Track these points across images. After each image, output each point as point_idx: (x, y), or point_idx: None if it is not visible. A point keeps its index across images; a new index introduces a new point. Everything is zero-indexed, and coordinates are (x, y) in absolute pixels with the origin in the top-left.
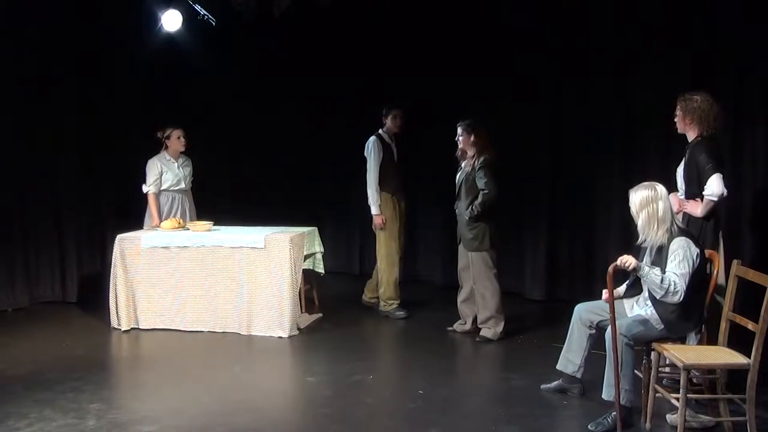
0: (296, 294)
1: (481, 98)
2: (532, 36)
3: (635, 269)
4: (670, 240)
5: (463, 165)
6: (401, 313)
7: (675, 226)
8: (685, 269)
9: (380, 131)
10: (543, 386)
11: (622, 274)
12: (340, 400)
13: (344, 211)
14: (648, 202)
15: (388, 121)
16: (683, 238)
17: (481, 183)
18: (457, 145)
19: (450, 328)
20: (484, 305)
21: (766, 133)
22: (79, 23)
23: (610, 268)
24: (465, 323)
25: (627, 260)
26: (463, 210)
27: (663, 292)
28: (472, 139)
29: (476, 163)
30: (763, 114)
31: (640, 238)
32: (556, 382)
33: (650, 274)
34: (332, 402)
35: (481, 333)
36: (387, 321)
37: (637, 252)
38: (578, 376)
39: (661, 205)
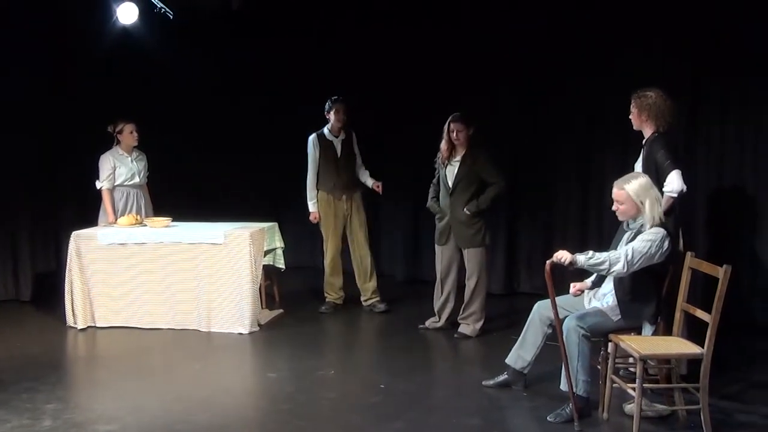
0: (256, 290)
1: (444, 95)
2: (497, 34)
3: (571, 263)
4: (649, 227)
5: (455, 160)
6: (324, 308)
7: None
8: (643, 249)
9: (325, 128)
10: (485, 382)
11: (560, 269)
12: (302, 395)
13: (305, 205)
14: (646, 189)
15: (331, 117)
16: (663, 231)
17: (492, 176)
18: (436, 140)
19: (422, 326)
20: (471, 301)
21: (720, 129)
22: (33, 13)
23: (547, 266)
24: (438, 321)
25: (561, 255)
26: (459, 207)
27: (606, 267)
28: (471, 132)
29: (478, 156)
30: (718, 113)
31: (645, 225)
32: (501, 378)
33: (588, 261)
34: (294, 397)
35: (460, 329)
36: (348, 316)
37: (606, 239)
38: (525, 372)
39: (655, 191)
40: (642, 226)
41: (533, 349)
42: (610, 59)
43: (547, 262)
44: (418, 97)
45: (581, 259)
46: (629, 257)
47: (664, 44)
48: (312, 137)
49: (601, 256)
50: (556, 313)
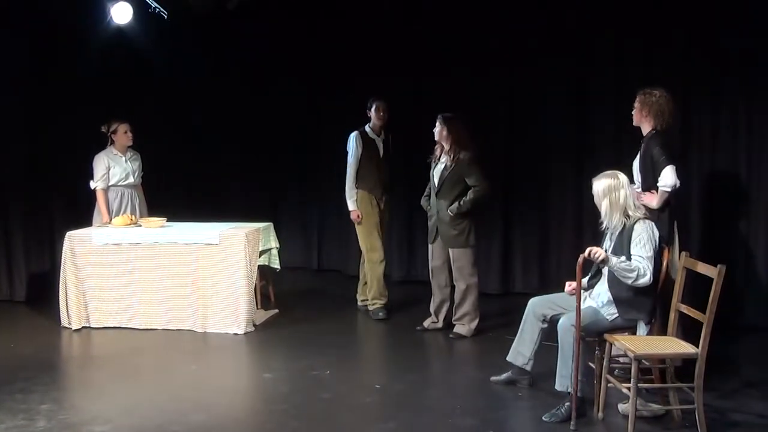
0: (252, 290)
1: (440, 97)
2: (497, 34)
3: (604, 260)
4: (631, 225)
5: (442, 159)
6: (382, 313)
7: (639, 213)
8: (650, 251)
9: (366, 126)
10: (493, 378)
11: (588, 265)
12: (297, 395)
13: (301, 205)
14: (610, 191)
15: (372, 115)
16: (648, 221)
17: (472, 179)
18: (433, 139)
19: (419, 327)
20: (462, 302)
21: (713, 129)
22: (26, 13)
23: (580, 259)
24: (437, 321)
25: (597, 251)
26: (444, 206)
27: (634, 277)
28: (445, 132)
29: (460, 157)
30: (711, 111)
31: (604, 224)
32: (505, 374)
33: (619, 264)
34: (289, 398)
35: (455, 329)
36: (343, 316)
37: (598, 239)
38: (528, 368)
39: (622, 193)
40: (624, 224)
41: (531, 345)
42: (606, 59)
43: (581, 256)
44: (414, 96)
45: (614, 260)
46: (651, 267)
47: (660, 44)
48: (354, 134)
49: (631, 264)
50: (578, 308)
